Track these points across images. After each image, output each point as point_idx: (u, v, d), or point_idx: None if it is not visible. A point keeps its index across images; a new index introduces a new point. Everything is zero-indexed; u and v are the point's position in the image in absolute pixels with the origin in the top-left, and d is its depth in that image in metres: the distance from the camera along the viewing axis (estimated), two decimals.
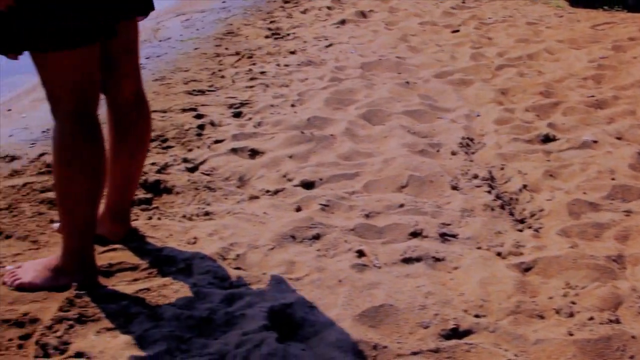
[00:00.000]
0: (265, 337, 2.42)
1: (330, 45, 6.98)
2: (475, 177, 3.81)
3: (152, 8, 2.79)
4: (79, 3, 2.44)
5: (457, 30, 7.61)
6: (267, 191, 3.65)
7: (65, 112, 2.60)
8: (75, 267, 2.81)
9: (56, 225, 3.31)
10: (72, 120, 2.60)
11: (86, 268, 2.82)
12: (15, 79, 6.32)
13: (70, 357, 2.42)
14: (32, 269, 2.87)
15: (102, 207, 3.07)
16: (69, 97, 2.58)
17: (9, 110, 5.50)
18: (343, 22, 8.06)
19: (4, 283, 2.89)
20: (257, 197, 3.60)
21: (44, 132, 4.85)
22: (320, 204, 3.44)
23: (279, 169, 3.91)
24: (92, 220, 2.75)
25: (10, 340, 2.54)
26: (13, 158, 4.35)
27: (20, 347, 2.51)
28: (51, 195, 3.67)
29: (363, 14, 8.40)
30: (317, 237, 3.16)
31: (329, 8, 8.93)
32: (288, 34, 7.64)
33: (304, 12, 8.93)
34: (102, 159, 2.66)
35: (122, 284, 2.86)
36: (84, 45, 2.50)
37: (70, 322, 2.58)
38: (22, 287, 2.84)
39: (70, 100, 2.58)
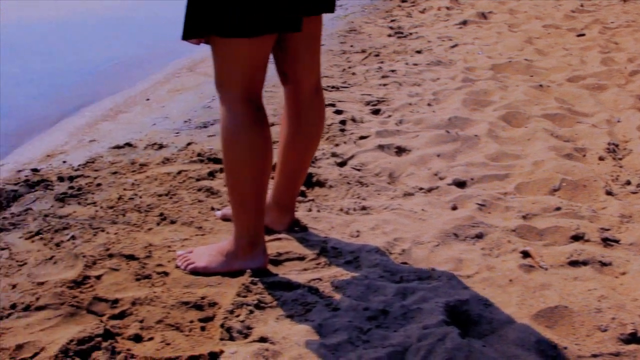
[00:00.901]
0: (447, 331, 2.43)
1: (455, 45, 6.97)
2: (628, 183, 3.75)
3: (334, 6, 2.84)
4: None
5: (583, 34, 7.51)
6: (421, 188, 3.66)
7: (235, 98, 2.65)
8: (248, 254, 2.87)
9: (219, 212, 3.39)
10: (240, 105, 2.65)
11: (258, 255, 2.87)
12: (146, 70, 6.48)
13: (255, 341, 2.47)
14: (205, 254, 2.94)
15: (269, 197, 3.13)
16: (240, 83, 2.64)
17: (148, 99, 5.63)
18: (465, 22, 8.03)
19: (177, 266, 2.97)
20: (411, 194, 3.61)
21: (185, 122, 4.96)
22: (477, 204, 3.44)
23: (428, 167, 3.92)
24: (261, 205, 2.81)
25: (191, 322, 2.61)
26: (161, 146, 4.46)
27: (202, 329, 2.56)
28: (207, 183, 3.76)
29: (484, 15, 8.34)
30: (479, 236, 3.16)
31: (447, 8, 8.91)
32: (411, 33, 7.65)
33: (422, 11, 8.94)
34: (269, 143, 2.71)
35: (292, 273, 2.90)
36: (266, 33, 2.55)
37: (250, 308, 2.63)
38: (196, 271, 2.91)
39: (240, 86, 2.64)
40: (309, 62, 2.88)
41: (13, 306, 2.74)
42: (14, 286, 2.90)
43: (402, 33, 7.63)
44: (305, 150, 3.01)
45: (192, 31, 2.61)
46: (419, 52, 6.72)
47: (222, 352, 2.39)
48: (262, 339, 2.47)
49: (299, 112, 2.94)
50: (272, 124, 4.79)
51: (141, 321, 2.60)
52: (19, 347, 2.48)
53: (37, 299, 2.75)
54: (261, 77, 2.70)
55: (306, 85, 2.91)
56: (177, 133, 4.75)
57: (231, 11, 2.49)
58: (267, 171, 2.76)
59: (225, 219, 3.37)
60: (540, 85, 5.49)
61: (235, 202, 2.81)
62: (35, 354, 2.45)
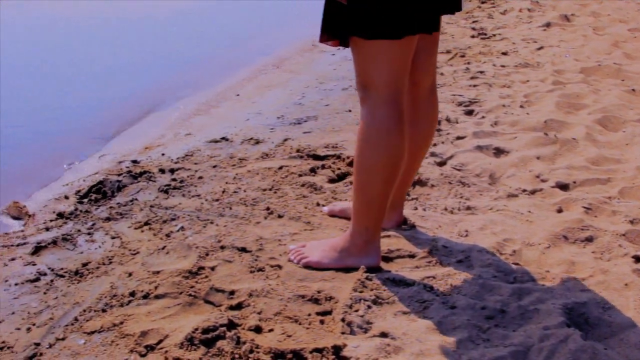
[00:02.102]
0: (569, 333, 2.43)
1: (541, 48, 6.91)
2: None
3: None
4: None
5: None
6: (524, 190, 3.65)
7: (377, 99, 2.66)
8: (363, 251, 2.89)
9: (325, 208, 3.43)
10: (382, 107, 2.66)
11: (373, 253, 2.90)
12: (232, 66, 6.56)
13: (375, 336, 2.49)
14: (318, 248, 2.98)
15: None
16: (383, 85, 2.64)
17: (237, 95, 5.69)
18: (548, 24, 7.96)
19: (290, 260, 3.00)
20: (515, 196, 3.60)
21: (278, 118, 5.01)
22: (583, 207, 3.42)
23: (529, 169, 3.91)
24: (384, 205, 2.83)
25: (309, 315, 2.64)
26: (257, 141, 4.52)
27: (322, 322, 2.59)
28: (309, 179, 3.80)
29: (566, 18, 8.26)
30: (589, 240, 3.14)
31: (529, 10, 8.83)
32: (494, 35, 7.61)
33: (503, 13, 8.88)
34: (405, 148, 2.73)
35: (405, 270, 2.92)
36: (411, 34, 2.57)
37: (368, 303, 2.66)
38: (309, 266, 2.95)
39: (383, 88, 2.65)
40: (428, 63, 2.90)
41: (132, 294, 2.81)
42: (130, 274, 2.96)
43: (485, 34, 7.59)
44: (419, 149, 3.03)
45: (332, 33, 2.64)
46: (504, 53, 6.69)
47: (345, 345, 2.42)
48: (383, 334, 2.49)
49: (415, 111, 2.95)
50: None
51: (259, 313, 2.64)
52: (144, 333, 2.54)
53: (156, 287, 2.81)
54: (404, 80, 2.70)
55: (424, 86, 2.93)
56: (272, 129, 4.80)
57: (376, 13, 2.52)
58: (396, 177, 2.78)
59: (332, 215, 3.40)
60: (633, 90, 5.42)
61: (361, 201, 2.83)
62: (160, 341, 2.50)
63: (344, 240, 2.93)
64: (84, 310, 2.73)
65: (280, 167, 3.98)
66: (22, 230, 3.52)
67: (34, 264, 3.13)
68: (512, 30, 7.81)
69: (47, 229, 3.47)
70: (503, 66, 6.21)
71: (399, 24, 2.52)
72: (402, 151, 2.71)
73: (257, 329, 2.55)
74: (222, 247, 3.11)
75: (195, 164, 4.17)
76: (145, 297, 2.78)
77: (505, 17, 8.63)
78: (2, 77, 6.24)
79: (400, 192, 3.15)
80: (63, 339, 2.58)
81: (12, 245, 3.32)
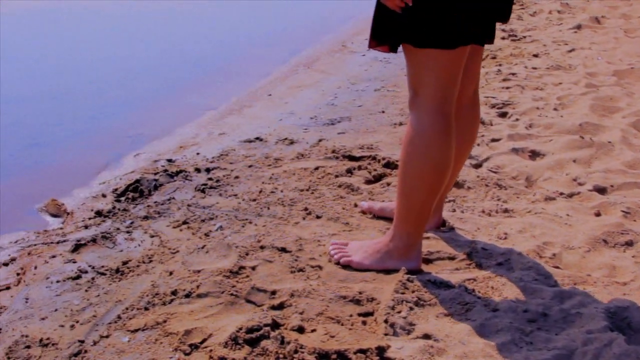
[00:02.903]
0: (613, 337, 2.42)
1: (572, 50, 6.89)
2: None
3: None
4: (470, 5, 2.51)
5: None
6: (561, 193, 3.65)
7: (427, 107, 2.66)
8: (404, 254, 2.90)
9: (365, 203, 3.44)
10: (431, 115, 2.66)
11: (414, 256, 2.90)
12: (263, 66, 6.58)
13: (418, 337, 2.50)
14: (359, 249, 2.99)
15: None
16: (434, 93, 2.64)
17: (270, 95, 5.70)
18: (579, 27, 7.92)
19: (330, 259, 3.02)
20: (552, 199, 3.60)
21: (311, 118, 5.02)
22: (622, 211, 3.41)
23: (565, 172, 3.90)
24: (428, 212, 2.83)
25: (350, 315, 2.65)
26: (292, 141, 4.53)
27: (364, 323, 2.60)
28: (346, 180, 3.81)
29: (597, 20, 8.22)
30: (630, 244, 3.13)
31: (559, 12, 8.80)
32: (524, 36, 7.59)
33: (533, 14, 8.85)
34: (451, 158, 2.73)
35: (445, 272, 2.93)
36: (465, 45, 2.57)
37: (410, 305, 2.67)
38: (350, 266, 2.96)
39: (434, 97, 2.64)
40: (472, 71, 2.90)
41: (174, 292, 2.82)
42: (170, 273, 2.98)
43: (515, 36, 7.58)
44: (460, 155, 3.03)
45: (382, 39, 2.65)
46: (535, 55, 6.67)
47: (388, 347, 2.42)
48: (426, 336, 2.50)
49: (457, 118, 2.95)
50: (400, 124, 4.82)
51: (301, 313, 2.65)
52: (187, 332, 2.56)
53: (197, 286, 2.83)
54: (454, 90, 2.69)
55: (466, 93, 2.93)
56: (306, 129, 4.81)
57: (430, 22, 2.52)
58: (442, 184, 2.78)
59: (370, 212, 3.41)
60: None
61: (404, 207, 2.83)
62: (204, 340, 2.52)
63: (386, 243, 2.94)
64: (127, 308, 2.75)
65: (317, 168, 3.99)
66: (62, 228, 3.55)
67: (74, 262, 3.16)
68: (543, 32, 7.79)
69: (86, 227, 3.50)
70: (535, 68, 6.20)
71: (452, 34, 2.52)
72: (449, 160, 2.71)
73: (300, 329, 2.56)
74: (262, 247, 3.12)
75: (231, 163, 4.19)
76: (188, 296, 2.79)
77: (535, 18, 8.60)
78: (39, 76, 6.31)
79: (440, 195, 3.15)
80: (107, 336, 2.60)
81: (51, 243, 3.35)
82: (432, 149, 2.66)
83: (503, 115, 4.90)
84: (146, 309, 2.74)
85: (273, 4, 10.05)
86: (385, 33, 2.62)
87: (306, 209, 3.48)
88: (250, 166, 4.12)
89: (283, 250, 3.09)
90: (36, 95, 5.67)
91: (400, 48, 2.68)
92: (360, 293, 2.76)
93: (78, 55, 7.20)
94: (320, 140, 4.50)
